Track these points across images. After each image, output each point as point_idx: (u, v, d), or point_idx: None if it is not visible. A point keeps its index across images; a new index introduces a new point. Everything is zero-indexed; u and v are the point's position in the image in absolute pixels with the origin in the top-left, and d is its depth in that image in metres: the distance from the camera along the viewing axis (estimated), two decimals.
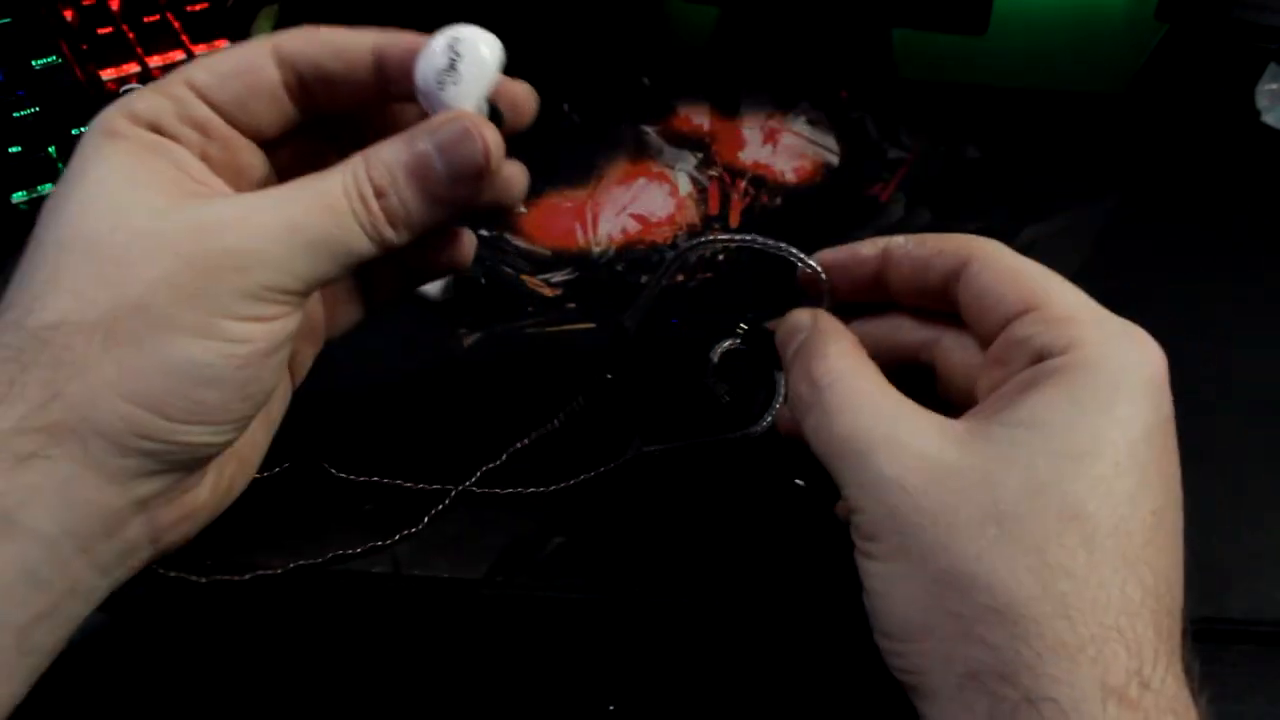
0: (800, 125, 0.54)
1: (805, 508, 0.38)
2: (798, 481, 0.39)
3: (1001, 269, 0.30)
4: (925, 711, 0.27)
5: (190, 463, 0.28)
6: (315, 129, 0.32)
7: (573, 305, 0.46)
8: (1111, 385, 0.27)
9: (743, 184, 0.52)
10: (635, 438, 0.40)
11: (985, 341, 0.30)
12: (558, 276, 0.47)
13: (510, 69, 0.30)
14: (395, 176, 0.28)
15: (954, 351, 0.32)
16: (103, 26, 0.56)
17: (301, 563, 0.37)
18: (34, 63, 0.53)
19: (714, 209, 0.51)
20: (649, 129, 0.54)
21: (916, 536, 0.26)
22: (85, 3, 0.57)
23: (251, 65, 0.30)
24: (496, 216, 0.35)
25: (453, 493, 0.39)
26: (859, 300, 0.34)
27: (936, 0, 0.55)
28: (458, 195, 0.29)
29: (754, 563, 0.37)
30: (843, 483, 0.28)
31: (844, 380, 0.29)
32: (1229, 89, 0.56)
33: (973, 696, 0.25)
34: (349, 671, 0.37)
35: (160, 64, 0.55)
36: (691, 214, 0.50)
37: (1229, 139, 0.54)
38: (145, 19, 0.56)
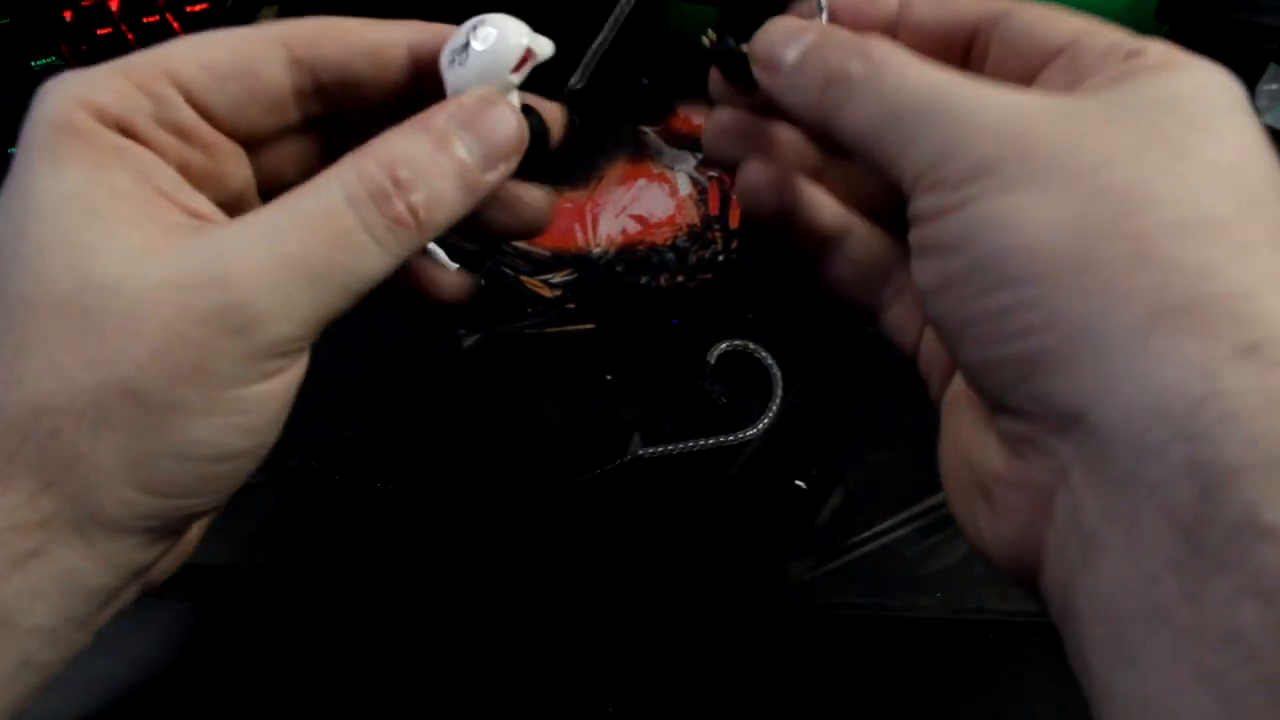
0: None
1: (805, 508, 0.38)
2: (798, 483, 0.39)
3: (1046, 11, 0.25)
4: (1080, 378, 0.20)
5: (191, 523, 0.25)
6: (309, 125, 0.28)
7: (573, 305, 0.46)
8: (1216, 97, 0.22)
9: None
10: (634, 439, 0.40)
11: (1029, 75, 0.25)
12: (557, 277, 0.47)
13: None
14: (423, 166, 0.24)
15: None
16: (102, 27, 0.55)
17: (299, 563, 0.37)
18: (33, 63, 0.53)
19: (714, 209, 0.51)
20: (649, 129, 0.54)
21: (1057, 158, 0.21)
22: (84, 3, 0.57)
23: (255, 66, 0.26)
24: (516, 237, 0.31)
25: (452, 494, 0.39)
26: None
27: None
28: (490, 182, 0.25)
29: (754, 563, 0.37)
30: (911, 147, 0.23)
31: (902, 54, 0.24)
32: None
33: (1174, 345, 0.19)
34: (349, 672, 0.37)
35: None
36: (691, 214, 0.50)
37: None
38: (144, 19, 0.56)
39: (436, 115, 0.25)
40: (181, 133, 0.25)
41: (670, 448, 0.40)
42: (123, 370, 0.22)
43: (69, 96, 0.24)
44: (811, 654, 0.37)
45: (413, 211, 0.24)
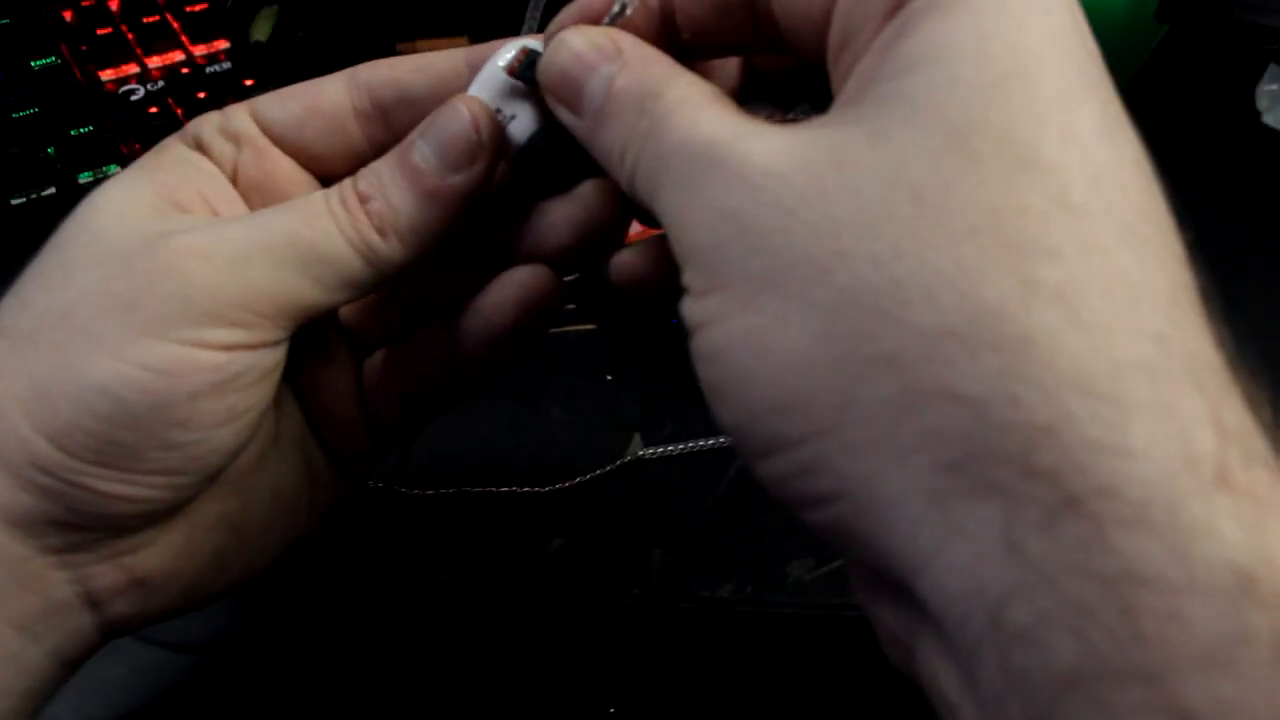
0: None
1: None
2: None
3: None
4: (889, 558, 0.16)
5: (109, 518, 0.23)
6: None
7: (573, 305, 0.46)
8: (1009, 2, 0.18)
9: None
10: (634, 439, 0.40)
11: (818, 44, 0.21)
12: None
13: None
14: (380, 177, 0.24)
15: None
16: (102, 27, 0.55)
17: (298, 564, 0.37)
18: (33, 63, 0.53)
19: None
20: None
21: (783, 245, 0.17)
22: (85, 3, 0.57)
23: (316, 86, 0.27)
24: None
25: (451, 495, 0.39)
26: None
27: None
28: (452, 186, 0.24)
29: (754, 563, 0.37)
30: (668, 212, 0.20)
31: (692, 95, 0.20)
32: (1229, 89, 0.56)
33: (967, 512, 0.15)
34: (349, 673, 0.37)
35: (160, 64, 0.55)
36: None
37: (1229, 139, 0.54)
38: (144, 20, 0.56)
39: (413, 132, 0.25)
40: (237, 139, 0.26)
41: (670, 448, 0.40)
42: (68, 295, 0.22)
43: (178, 132, 0.27)
44: (811, 654, 0.37)
45: (374, 217, 0.24)
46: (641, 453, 0.40)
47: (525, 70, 0.24)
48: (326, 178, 0.27)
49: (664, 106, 0.20)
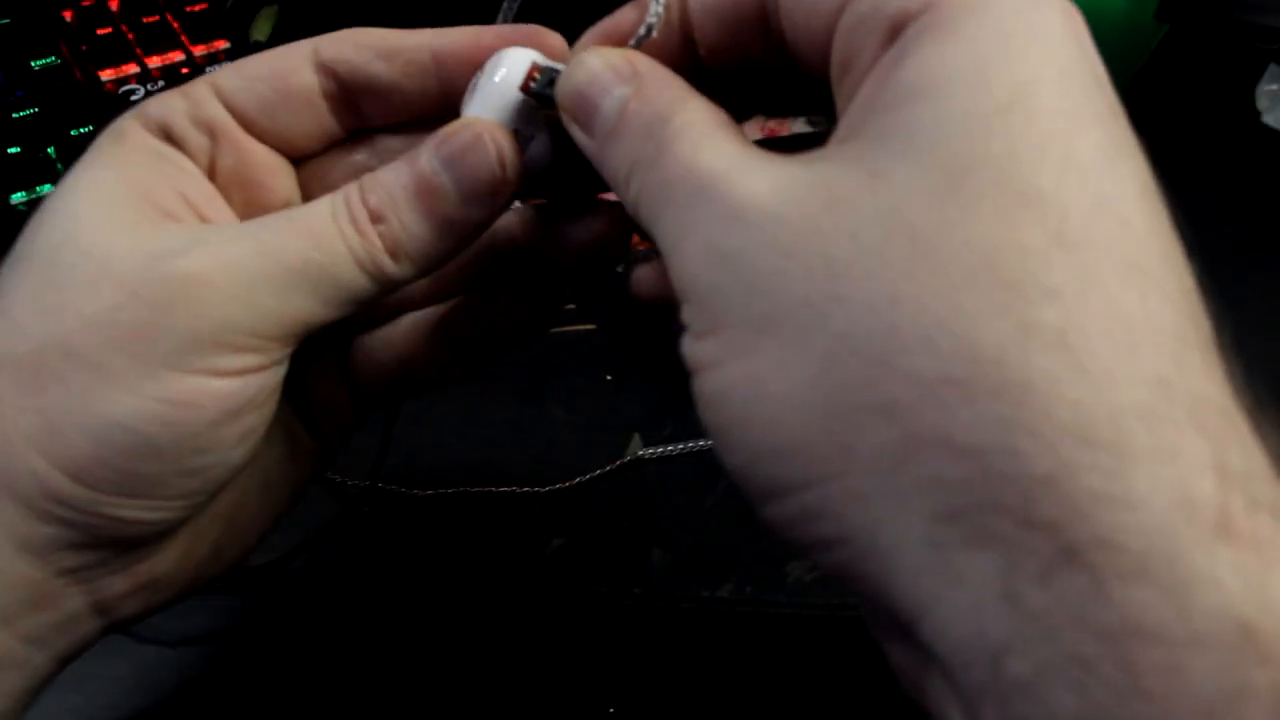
0: (800, 126, 0.54)
1: None
2: None
3: None
4: (891, 603, 0.16)
5: (126, 540, 0.23)
6: (367, 149, 0.27)
7: (573, 305, 0.46)
8: (1012, 25, 0.17)
9: None
10: (634, 439, 0.40)
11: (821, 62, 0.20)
12: None
13: None
14: (394, 198, 0.23)
15: None
16: (102, 27, 0.55)
17: (297, 563, 0.37)
18: (33, 63, 0.53)
19: None
20: None
21: (780, 288, 0.17)
22: (85, 3, 0.57)
23: (284, 68, 0.25)
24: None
25: (450, 495, 0.39)
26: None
27: None
28: (470, 217, 0.24)
29: (754, 563, 0.37)
30: (667, 242, 0.20)
31: (698, 122, 0.20)
32: (1229, 89, 0.56)
33: (965, 561, 0.15)
34: (348, 672, 0.37)
35: (159, 64, 0.55)
36: None
37: (1229, 139, 0.54)
38: (144, 19, 0.56)
39: (421, 152, 0.24)
40: (211, 130, 0.25)
41: (670, 448, 0.40)
42: (70, 326, 0.21)
43: (133, 112, 0.25)
44: (811, 654, 0.37)
45: (387, 241, 0.23)
46: (641, 453, 0.40)
47: (542, 88, 0.24)
48: (299, 158, 0.27)
49: (670, 132, 0.20)
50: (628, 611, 0.37)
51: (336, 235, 0.23)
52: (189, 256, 0.22)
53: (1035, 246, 0.15)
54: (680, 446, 0.40)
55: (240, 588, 0.37)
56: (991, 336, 0.15)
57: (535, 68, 0.24)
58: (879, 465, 0.16)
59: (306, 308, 0.22)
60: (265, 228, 0.23)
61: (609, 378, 0.43)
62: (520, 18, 0.26)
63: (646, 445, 0.40)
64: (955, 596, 0.15)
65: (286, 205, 0.26)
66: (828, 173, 0.18)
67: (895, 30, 0.18)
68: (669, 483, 0.40)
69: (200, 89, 0.25)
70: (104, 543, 0.23)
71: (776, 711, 0.36)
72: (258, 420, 0.23)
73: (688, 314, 0.19)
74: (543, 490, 0.39)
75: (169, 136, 0.25)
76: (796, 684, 0.37)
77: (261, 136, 0.26)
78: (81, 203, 0.23)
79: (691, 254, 0.19)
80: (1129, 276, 0.15)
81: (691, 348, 0.19)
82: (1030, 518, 0.14)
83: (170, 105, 0.25)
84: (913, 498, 0.15)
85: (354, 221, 0.23)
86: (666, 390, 0.42)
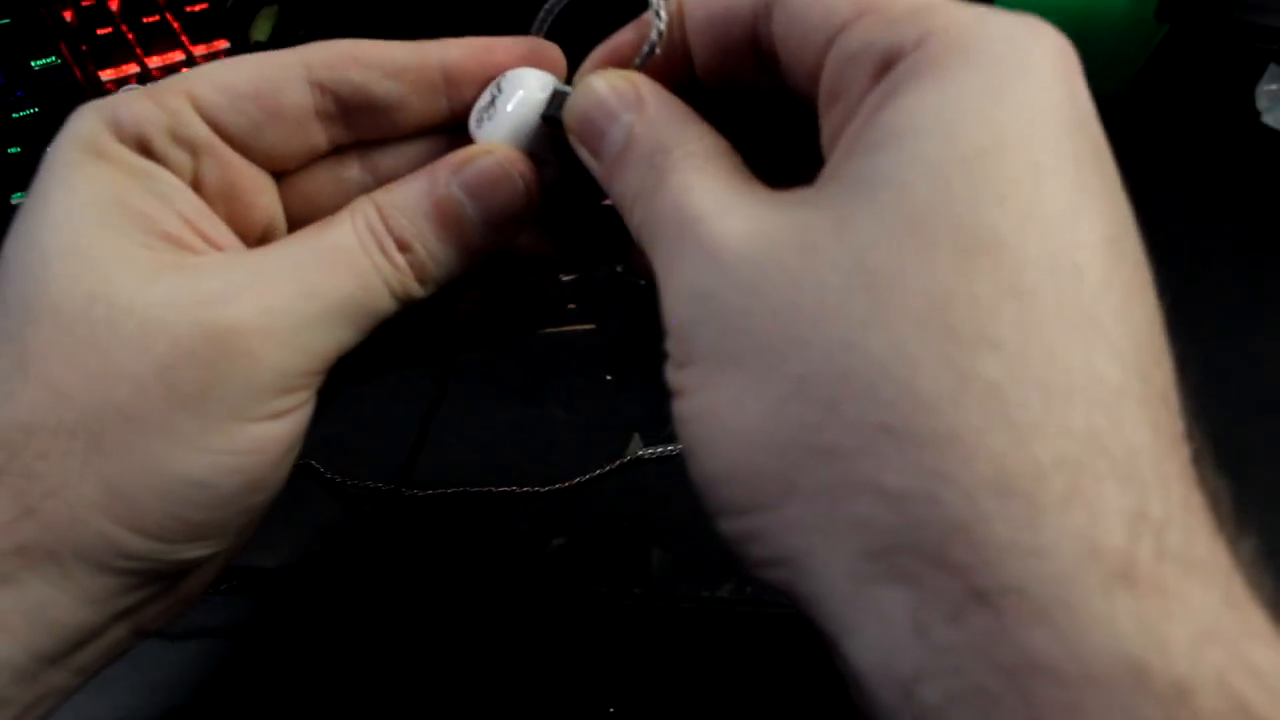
0: None
1: None
2: None
3: None
4: (820, 622, 0.18)
5: (179, 573, 0.23)
6: (358, 164, 0.27)
7: (573, 305, 0.46)
8: (997, 68, 0.17)
9: None
10: (634, 439, 0.40)
11: (812, 91, 0.21)
12: None
13: None
14: (419, 226, 0.23)
15: None
16: (102, 27, 0.55)
17: (296, 563, 0.37)
18: (33, 63, 0.53)
19: None
20: None
21: (746, 329, 0.18)
22: (85, 3, 0.57)
23: (273, 86, 0.24)
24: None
25: (450, 494, 0.39)
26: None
27: None
28: (493, 241, 0.24)
29: None
30: (658, 273, 0.21)
31: (697, 154, 0.21)
32: (1229, 89, 0.56)
33: (882, 595, 0.16)
34: (349, 671, 0.37)
35: (160, 64, 0.55)
36: None
37: (1229, 139, 0.54)
38: (145, 20, 0.56)
39: (440, 175, 0.24)
40: (194, 149, 0.24)
41: (670, 448, 0.40)
42: (122, 391, 0.21)
43: (96, 116, 0.23)
44: (811, 654, 0.37)
45: (415, 269, 0.23)
46: (641, 453, 0.40)
47: (554, 111, 0.24)
48: (281, 173, 0.26)
49: (670, 163, 0.21)
50: (628, 611, 0.37)
51: (371, 268, 0.23)
52: (233, 306, 0.21)
53: (985, 297, 0.16)
54: (680, 446, 0.40)
55: (243, 588, 0.37)
56: (930, 386, 0.16)
57: (555, 94, 0.24)
58: (816, 502, 0.17)
59: (347, 338, 0.23)
60: (300, 265, 0.22)
61: (609, 378, 0.43)
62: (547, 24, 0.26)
63: (646, 445, 0.40)
64: (870, 627, 0.16)
65: (272, 221, 0.26)
66: (802, 217, 0.18)
67: (886, 65, 0.18)
68: (669, 483, 0.40)
69: (174, 99, 0.24)
70: (160, 579, 0.23)
71: (776, 711, 0.36)
72: (300, 442, 0.24)
73: (669, 343, 0.20)
74: (543, 490, 0.39)
75: (147, 151, 0.23)
76: (796, 684, 0.37)
77: (245, 153, 0.25)
78: (92, 240, 0.22)
79: (673, 289, 0.20)
80: (1077, 328, 0.16)
81: (670, 374, 0.20)
82: (944, 561, 0.15)
83: (146, 118, 0.23)
84: (843, 534, 0.16)
85: (383, 250, 0.23)
86: (666, 390, 0.42)
